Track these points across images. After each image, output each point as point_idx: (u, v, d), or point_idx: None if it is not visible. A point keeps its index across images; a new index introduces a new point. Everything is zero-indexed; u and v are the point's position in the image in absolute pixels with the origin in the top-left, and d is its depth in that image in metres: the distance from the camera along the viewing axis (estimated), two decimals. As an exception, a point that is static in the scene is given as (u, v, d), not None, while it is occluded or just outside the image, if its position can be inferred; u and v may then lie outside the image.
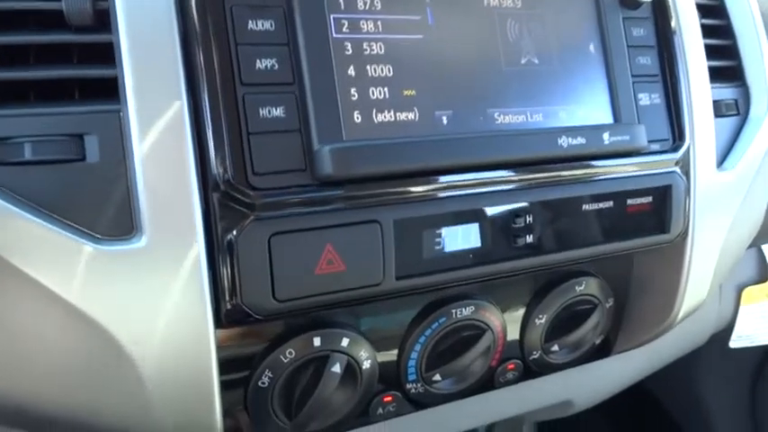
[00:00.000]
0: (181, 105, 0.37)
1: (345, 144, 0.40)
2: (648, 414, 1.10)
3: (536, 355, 0.55)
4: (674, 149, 0.52)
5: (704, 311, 0.67)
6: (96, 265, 0.35)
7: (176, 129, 0.36)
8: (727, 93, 0.60)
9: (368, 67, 0.41)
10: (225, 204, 0.37)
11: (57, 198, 0.36)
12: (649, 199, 0.51)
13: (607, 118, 0.50)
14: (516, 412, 0.65)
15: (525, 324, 0.54)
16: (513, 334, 0.54)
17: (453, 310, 0.49)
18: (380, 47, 0.42)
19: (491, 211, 0.45)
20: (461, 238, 0.44)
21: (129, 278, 0.36)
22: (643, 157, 0.50)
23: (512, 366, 0.55)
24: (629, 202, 0.50)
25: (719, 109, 0.58)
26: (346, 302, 0.41)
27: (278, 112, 0.39)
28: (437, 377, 0.50)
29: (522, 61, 0.47)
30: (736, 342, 0.80)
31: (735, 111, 0.60)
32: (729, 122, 0.60)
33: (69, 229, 0.35)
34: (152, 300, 0.37)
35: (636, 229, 0.51)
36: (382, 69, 0.42)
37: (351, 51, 0.41)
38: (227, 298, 0.38)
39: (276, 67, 0.39)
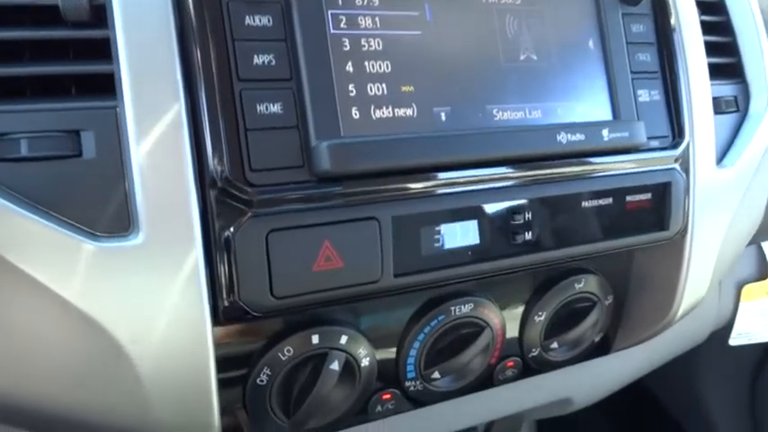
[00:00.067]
0: (178, 101, 0.36)
1: (343, 140, 0.39)
2: (648, 412, 1.10)
3: (535, 353, 0.55)
4: (674, 146, 0.52)
5: (704, 309, 0.67)
6: (93, 262, 0.35)
7: (173, 125, 0.36)
8: (727, 90, 0.60)
9: (366, 63, 0.41)
10: (222, 201, 0.37)
11: (53, 194, 0.35)
12: (649, 196, 0.50)
13: (606, 115, 0.50)
14: (515, 410, 0.65)
15: (524, 321, 0.54)
16: (513, 331, 0.54)
17: (452, 308, 0.49)
18: (378, 43, 0.42)
19: (490, 207, 0.44)
20: (460, 235, 0.43)
21: (126, 275, 0.36)
22: (642, 153, 0.50)
23: (511, 364, 0.55)
24: (629, 198, 0.50)
25: (719, 106, 0.58)
26: (344, 299, 0.41)
27: (275, 108, 0.38)
28: (436, 375, 0.50)
29: (521, 57, 0.47)
30: (735, 339, 0.80)
31: (734, 108, 0.60)
32: (729, 119, 0.59)
33: (66, 226, 0.35)
34: (149, 297, 0.36)
35: (635, 227, 0.51)
36: (380, 65, 0.42)
37: (348, 47, 0.41)
38: (225, 295, 0.38)
39: (273, 62, 0.39)
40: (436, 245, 0.43)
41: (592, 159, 0.48)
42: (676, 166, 0.52)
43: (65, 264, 0.35)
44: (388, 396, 0.50)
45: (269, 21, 0.39)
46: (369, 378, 0.47)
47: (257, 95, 0.38)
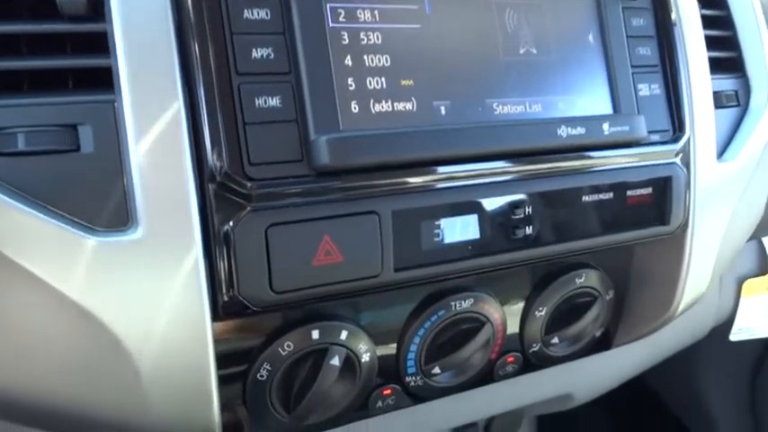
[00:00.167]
0: (176, 95, 0.36)
1: (342, 134, 0.39)
2: (648, 408, 1.10)
3: (536, 348, 0.55)
4: (675, 140, 0.52)
5: (704, 304, 0.67)
6: (91, 257, 0.35)
7: (172, 119, 0.36)
8: (728, 84, 0.60)
9: (365, 57, 0.41)
10: (221, 195, 0.37)
11: (51, 189, 0.35)
12: (649, 190, 0.50)
13: (606, 108, 0.50)
14: (516, 405, 0.65)
15: (525, 316, 0.54)
16: (513, 326, 0.54)
17: (452, 303, 0.49)
18: (377, 36, 0.42)
19: (490, 202, 0.44)
20: (460, 229, 0.43)
21: (125, 270, 0.36)
22: (643, 147, 0.50)
23: (511, 359, 0.55)
24: (629, 193, 0.50)
25: (720, 100, 0.58)
26: (344, 294, 0.41)
27: (274, 101, 0.38)
28: (436, 370, 0.50)
29: (521, 51, 0.47)
30: (736, 335, 0.80)
31: (735, 102, 0.60)
32: (729, 114, 0.59)
33: (64, 221, 0.35)
34: (148, 292, 0.36)
35: (636, 221, 0.50)
36: (379, 59, 0.42)
37: (347, 41, 0.41)
38: (225, 290, 0.37)
39: (272, 56, 0.38)
40: (436, 239, 0.42)
41: (592, 153, 0.48)
42: (677, 160, 0.52)
43: (63, 258, 0.35)
44: (388, 391, 0.50)
45: (267, 14, 0.39)
46: (369, 373, 0.47)
47: (256, 89, 0.38)
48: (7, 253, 0.34)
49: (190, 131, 0.37)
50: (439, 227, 0.42)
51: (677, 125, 0.53)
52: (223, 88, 0.37)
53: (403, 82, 0.42)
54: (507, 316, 0.53)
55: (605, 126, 0.47)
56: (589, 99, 0.49)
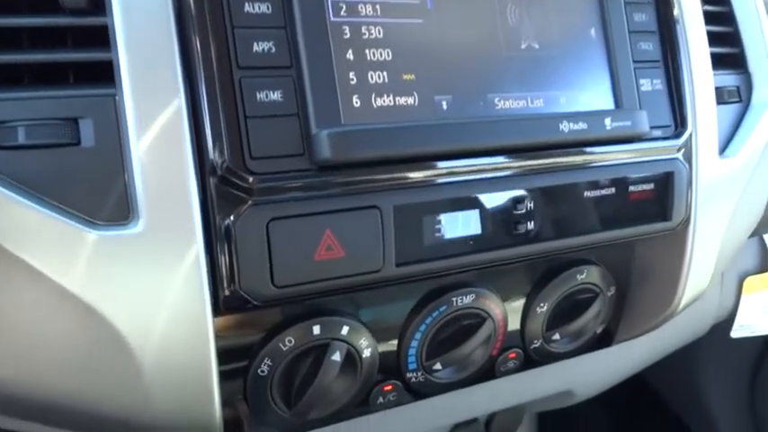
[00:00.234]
0: (177, 89, 0.36)
1: (344, 128, 0.39)
2: (648, 405, 1.10)
3: (537, 344, 0.55)
4: (677, 136, 0.52)
5: (705, 301, 0.66)
6: (92, 251, 0.35)
7: (173, 112, 0.36)
8: (730, 80, 0.60)
9: (366, 51, 0.41)
10: (222, 189, 0.37)
11: (52, 183, 0.35)
12: (651, 186, 0.50)
13: (608, 104, 0.49)
14: (517, 402, 0.65)
15: (526, 313, 0.54)
16: (514, 323, 0.54)
17: (454, 299, 0.49)
18: (379, 31, 0.42)
19: (491, 197, 0.44)
20: (461, 224, 0.43)
21: (126, 264, 0.36)
22: (645, 143, 0.50)
23: (513, 355, 0.55)
24: (631, 188, 0.50)
25: (721, 96, 0.58)
26: (346, 289, 0.41)
27: (275, 95, 0.38)
28: (437, 366, 0.50)
29: (523, 46, 0.46)
30: (737, 332, 0.80)
31: (737, 98, 0.60)
32: (731, 110, 0.59)
33: (65, 214, 0.35)
34: (149, 286, 0.36)
35: (637, 217, 0.50)
36: (381, 53, 0.41)
37: (349, 35, 0.41)
38: (226, 284, 0.37)
39: (273, 50, 0.38)
40: (438, 234, 0.42)
41: (594, 149, 0.48)
42: (679, 155, 0.51)
43: (63, 252, 0.35)
44: (389, 387, 0.50)
45: (268, 8, 0.39)
46: (370, 369, 0.47)
47: (257, 83, 0.38)
48: (8, 246, 0.34)
49: (191, 125, 0.36)
50: (440, 222, 0.42)
51: (679, 121, 0.52)
52: (224, 82, 0.37)
53: (404, 76, 0.42)
54: (508, 312, 0.52)
55: (607, 121, 0.47)
56: (591, 94, 0.49)
